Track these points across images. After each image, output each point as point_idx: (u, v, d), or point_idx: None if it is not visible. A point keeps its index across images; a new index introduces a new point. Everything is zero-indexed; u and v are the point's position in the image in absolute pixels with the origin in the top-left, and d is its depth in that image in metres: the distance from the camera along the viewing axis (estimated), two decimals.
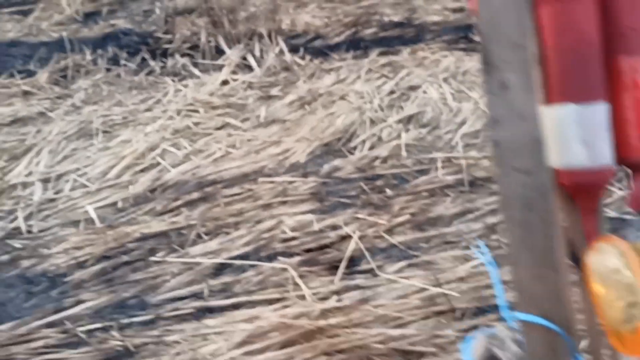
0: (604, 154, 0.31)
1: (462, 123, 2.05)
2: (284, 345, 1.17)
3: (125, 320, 1.29)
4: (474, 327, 1.19)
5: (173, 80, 2.54)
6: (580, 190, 0.32)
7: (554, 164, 0.32)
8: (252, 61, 2.68)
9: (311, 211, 1.64)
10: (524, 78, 0.28)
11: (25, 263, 1.52)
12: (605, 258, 0.24)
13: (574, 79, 0.30)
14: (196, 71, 2.63)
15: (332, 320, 1.21)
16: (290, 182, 1.79)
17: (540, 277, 0.30)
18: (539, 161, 0.30)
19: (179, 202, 1.70)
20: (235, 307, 1.30)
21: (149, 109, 2.30)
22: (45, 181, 1.87)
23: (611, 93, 0.32)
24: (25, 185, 1.86)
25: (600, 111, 0.31)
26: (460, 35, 2.79)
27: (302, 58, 2.76)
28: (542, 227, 0.30)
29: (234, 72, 2.61)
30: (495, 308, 1.21)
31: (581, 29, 0.29)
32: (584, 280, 0.26)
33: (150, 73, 2.64)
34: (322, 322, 1.20)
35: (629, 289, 0.23)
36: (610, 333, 0.23)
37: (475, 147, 1.89)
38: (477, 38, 2.77)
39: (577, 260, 0.35)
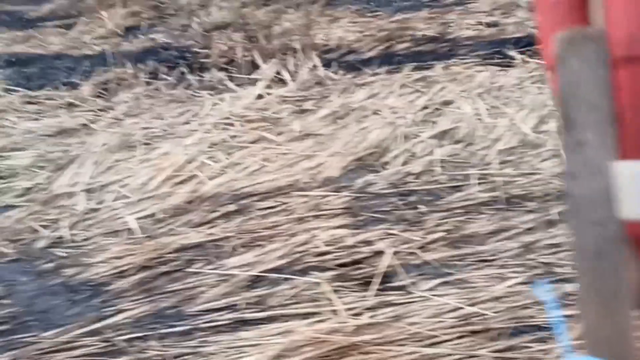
0: None
1: (497, 139, 2.04)
2: None
3: (164, 330, 1.32)
4: (510, 348, 1.17)
5: (210, 94, 2.61)
6: None
7: (627, 217, 0.33)
8: (286, 75, 2.72)
9: (344, 226, 1.65)
10: (600, 136, 0.30)
11: (69, 272, 1.57)
12: None
13: None
14: (232, 85, 2.69)
15: (366, 337, 1.22)
16: (324, 197, 1.81)
17: (607, 320, 0.31)
18: (610, 214, 0.31)
19: (215, 214, 1.74)
20: (270, 320, 1.32)
21: (186, 122, 2.36)
22: (88, 191, 1.94)
23: None
24: (69, 195, 1.94)
25: None
26: (494, 49, 2.77)
27: (335, 72, 2.79)
28: (611, 274, 0.31)
29: (268, 87, 2.66)
30: (532, 328, 1.20)
31: None
32: None
33: (188, 87, 2.72)
34: (355, 338, 1.21)
35: None
36: None
37: (510, 164, 1.87)
38: (512, 53, 2.75)
39: None
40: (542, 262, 1.38)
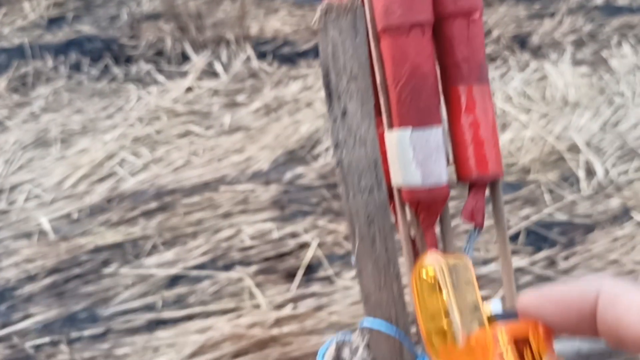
0: (437, 174, 0.33)
1: None
2: (236, 355, 1.15)
3: (75, 334, 1.26)
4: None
5: (136, 87, 2.51)
6: (420, 207, 0.34)
7: (397, 183, 0.34)
8: (218, 68, 2.67)
9: (271, 219, 1.63)
10: (362, 106, 0.30)
11: None
12: (426, 275, 0.25)
13: (409, 107, 0.33)
14: (161, 78, 2.61)
15: (286, 329, 1.20)
16: (251, 191, 1.78)
17: (382, 286, 0.32)
18: (377, 181, 0.31)
19: (136, 212, 1.67)
20: (189, 318, 1.28)
21: (109, 117, 2.27)
22: None
23: (451, 118, 0.34)
24: None
25: (433, 135, 0.33)
26: None
27: (270, 65, 2.76)
28: (382, 240, 0.32)
29: (199, 79, 2.59)
30: None
31: (414, 62, 0.31)
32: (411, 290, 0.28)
33: (113, 80, 2.61)
34: (275, 331, 1.20)
35: (438, 306, 0.24)
36: (427, 342, 0.25)
37: None
38: None
39: None
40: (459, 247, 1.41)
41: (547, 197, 1.58)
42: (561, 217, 1.48)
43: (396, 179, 0.33)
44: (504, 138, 1.90)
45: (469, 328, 0.24)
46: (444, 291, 0.24)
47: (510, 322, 0.24)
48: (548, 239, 1.41)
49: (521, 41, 2.70)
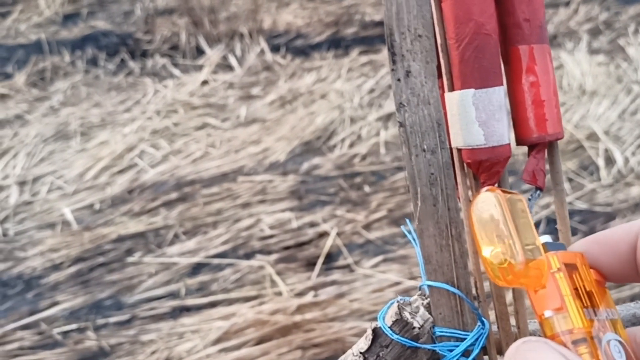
0: (499, 134, 0.34)
1: None
2: (260, 341, 1.17)
3: (101, 321, 1.28)
4: None
5: (153, 81, 2.53)
6: (481, 167, 0.34)
7: (458, 144, 0.34)
8: (233, 61, 2.68)
9: (290, 209, 1.65)
10: (425, 66, 0.31)
11: (1, 266, 1.50)
12: (484, 206, 0.27)
13: (473, 67, 0.33)
14: (176, 71, 2.63)
15: (308, 315, 1.22)
16: (270, 181, 1.79)
17: (444, 246, 0.32)
18: (440, 141, 0.32)
19: (157, 203, 1.69)
20: (212, 305, 1.30)
21: (127, 110, 2.29)
22: (21, 184, 1.86)
23: (511, 79, 0.35)
24: (1, 188, 1.84)
25: (496, 95, 0.34)
26: None
27: (284, 57, 2.77)
28: (444, 201, 0.32)
29: (214, 72, 2.61)
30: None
31: (478, 21, 0.32)
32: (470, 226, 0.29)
33: (129, 74, 2.63)
34: (298, 318, 1.21)
35: (499, 234, 0.26)
36: (490, 273, 0.26)
37: None
38: None
39: None
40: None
41: (566, 185, 1.57)
42: (581, 205, 1.48)
43: (457, 140, 0.33)
44: None
45: (526, 253, 0.25)
46: (502, 217, 0.26)
47: (560, 251, 0.26)
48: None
49: None
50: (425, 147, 0.31)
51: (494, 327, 0.35)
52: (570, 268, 0.26)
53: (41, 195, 1.78)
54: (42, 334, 1.27)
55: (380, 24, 3.09)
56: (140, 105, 2.33)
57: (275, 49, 2.84)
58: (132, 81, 2.55)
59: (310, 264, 1.42)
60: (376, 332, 0.32)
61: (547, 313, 0.25)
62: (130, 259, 1.46)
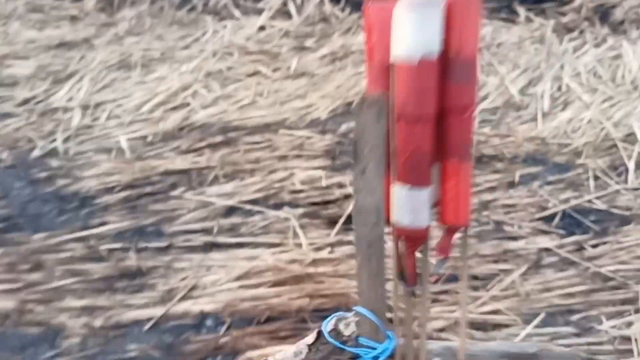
0: (422, 220, 0.51)
1: (484, 98, 2.09)
2: (275, 284, 1.32)
3: (142, 245, 1.46)
4: (446, 291, 1.31)
5: (213, 20, 2.62)
6: (407, 239, 0.51)
7: (395, 222, 0.51)
8: (292, 8, 2.72)
9: (322, 167, 1.75)
10: (377, 167, 0.46)
11: (60, 182, 1.70)
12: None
13: (410, 173, 0.53)
14: (237, 12, 2.70)
15: (321, 269, 1.35)
16: (308, 137, 1.89)
17: (372, 287, 0.47)
18: (379, 219, 0.47)
19: (202, 144, 1.83)
20: (239, 245, 1.45)
21: (186, 47, 2.41)
22: (84, 107, 2.03)
23: (442, 180, 0.55)
24: (66, 109, 2.03)
25: (424, 194, 0.54)
26: (502, 4, 2.74)
27: (342, 10, 2.78)
28: (378, 258, 0.48)
29: (272, 18, 2.67)
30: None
31: (418, 142, 0.48)
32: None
33: (192, 9, 2.73)
34: (311, 269, 1.35)
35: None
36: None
37: (490, 124, 1.93)
38: (518, 9, 2.73)
39: (403, 278, 0.62)
40: (494, 220, 1.49)
41: (591, 183, 1.61)
42: (600, 205, 1.52)
43: (394, 219, 0.49)
44: (563, 116, 1.90)
45: None
46: None
47: None
48: (582, 224, 1.46)
49: (603, 13, 2.58)
50: (367, 222, 0.52)
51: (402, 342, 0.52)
52: None
53: (101, 121, 1.96)
54: (90, 247, 1.46)
55: None
56: (198, 43, 2.44)
57: (335, 0, 2.85)
58: (194, 17, 2.65)
59: (331, 222, 1.54)
60: (319, 334, 0.49)
61: None
62: (173, 193, 1.62)
